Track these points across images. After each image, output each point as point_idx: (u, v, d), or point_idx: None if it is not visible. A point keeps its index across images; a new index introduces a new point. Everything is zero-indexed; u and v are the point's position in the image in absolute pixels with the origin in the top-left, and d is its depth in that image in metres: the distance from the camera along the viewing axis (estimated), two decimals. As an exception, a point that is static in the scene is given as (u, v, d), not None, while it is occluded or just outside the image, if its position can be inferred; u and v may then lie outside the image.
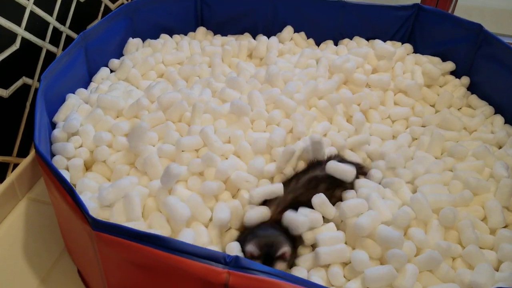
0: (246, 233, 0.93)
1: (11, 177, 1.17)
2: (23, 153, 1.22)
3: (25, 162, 1.22)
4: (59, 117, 1.14)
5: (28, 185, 1.23)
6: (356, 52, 1.37)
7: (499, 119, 1.26)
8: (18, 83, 1.16)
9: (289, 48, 1.47)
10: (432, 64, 1.37)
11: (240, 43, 1.45)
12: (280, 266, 0.87)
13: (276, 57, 1.41)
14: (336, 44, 1.52)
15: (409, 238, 0.90)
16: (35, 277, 1.02)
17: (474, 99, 1.34)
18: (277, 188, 0.97)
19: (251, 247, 0.87)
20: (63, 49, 1.31)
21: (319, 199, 0.94)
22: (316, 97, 1.24)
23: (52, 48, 1.27)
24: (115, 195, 0.94)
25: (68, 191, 0.79)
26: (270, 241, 0.88)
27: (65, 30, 1.32)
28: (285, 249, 0.87)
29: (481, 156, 1.09)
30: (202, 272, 0.68)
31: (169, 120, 1.12)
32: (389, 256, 0.84)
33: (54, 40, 1.28)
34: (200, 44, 1.49)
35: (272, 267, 0.82)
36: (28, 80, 1.19)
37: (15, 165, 1.19)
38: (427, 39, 1.46)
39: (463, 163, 1.08)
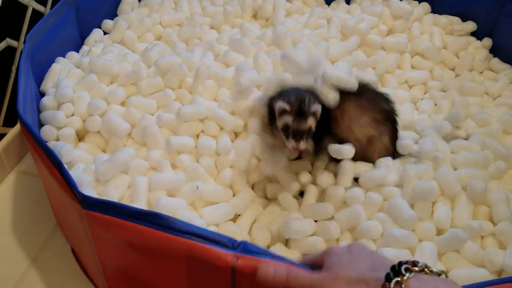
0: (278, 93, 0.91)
1: (-3, 148, 1.08)
2: (10, 123, 1.12)
3: (12, 132, 1.12)
4: (46, 84, 1.04)
5: (17, 157, 1.14)
6: (370, 11, 1.27)
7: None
8: (2, 45, 1.05)
9: (298, 7, 1.36)
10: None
11: (244, 2, 1.33)
12: (311, 122, 0.85)
13: (284, 17, 1.29)
14: (348, 2, 1.41)
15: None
16: (25, 256, 0.94)
17: (496, 62, 1.24)
18: None
19: (281, 103, 0.85)
20: (52, 8, 1.20)
21: None
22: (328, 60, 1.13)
23: (39, 7, 1.16)
24: (113, 170, 0.86)
25: (55, 164, 0.71)
26: (303, 98, 0.86)
27: (54, -13, 1.21)
28: (317, 107, 0.85)
29: (507, 124, 1.00)
30: (208, 255, 0.60)
31: (167, 86, 1.03)
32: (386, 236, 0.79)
33: (41, -2, 1.17)
34: (201, 4, 1.38)
35: (304, 124, 0.84)
36: (12, 42, 1.08)
37: (2, 136, 1.10)
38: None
39: (488, 131, 0.99)
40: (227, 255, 0.59)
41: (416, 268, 0.50)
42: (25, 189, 1.08)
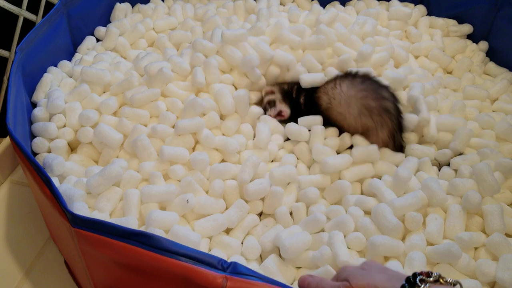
0: None
1: (-10, 159, 1.07)
2: (3, 133, 1.12)
3: (6, 142, 1.11)
4: (38, 95, 1.03)
5: (11, 167, 1.13)
6: (366, 13, 1.26)
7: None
8: (-7, 56, 1.05)
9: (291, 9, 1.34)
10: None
11: (236, 4, 1.32)
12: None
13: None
14: (343, 4, 1.39)
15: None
16: (18, 269, 0.94)
17: (492, 66, 1.24)
18: None
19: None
20: (43, 16, 1.19)
21: None
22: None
23: (31, 16, 1.15)
24: (105, 184, 0.85)
25: (44, 181, 0.70)
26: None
27: (45, -5, 1.20)
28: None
29: (505, 135, 0.99)
30: (197, 277, 0.59)
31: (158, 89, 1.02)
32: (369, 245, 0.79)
33: (32, 7, 1.15)
34: (194, 7, 1.37)
35: None
36: (4, 53, 1.08)
37: (-5, 146, 1.10)
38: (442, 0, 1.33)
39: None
40: (217, 277, 0.59)
41: (431, 279, 0.52)
42: (19, 200, 1.07)
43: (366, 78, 0.99)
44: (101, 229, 0.63)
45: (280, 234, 0.82)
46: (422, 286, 0.51)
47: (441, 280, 0.52)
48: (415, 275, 0.52)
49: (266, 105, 1.08)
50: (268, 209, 0.90)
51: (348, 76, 1.01)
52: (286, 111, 1.07)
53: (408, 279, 0.52)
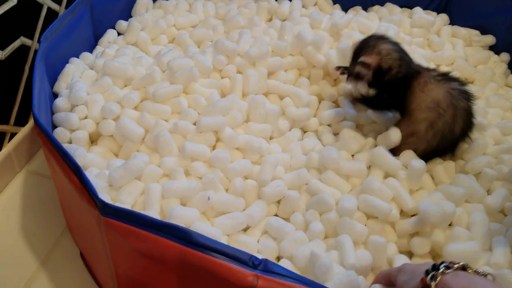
0: None
1: (8, 147, 1.06)
2: (21, 122, 1.11)
3: (23, 131, 1.11)
4: (59, 85, 1.03)
5: (27, 157, 1.13)
6: (389, 20, 1.25)
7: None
8: (16, 44, 1.04)
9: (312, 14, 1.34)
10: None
11: (260, 5, 1.32)
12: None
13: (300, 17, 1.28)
14: (365, 10, 1.39)
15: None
16: (34, 259, 0.93)
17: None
18: None
19: None
20: (66, 7, 1.19)
21: None
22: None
23: (54, 6, 1.15)
24: (127, 177, 0.84)
25: (73, 169, 0.69)
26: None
27: (69, -14, 1.20)
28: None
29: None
30: (227, 273, 0.59)
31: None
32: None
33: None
34: (215, 6, 1.36)
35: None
36: (26, 41, 1.07)
37: (12, 135, 1.09)
38: (465, 9, 1.33)
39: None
40: (247, 275, 0.58)
41: (456, 265, 0.53)
42: (34, 190, 1.06)
43: (454, 79, 0.94)
44: (131, 219, 0.62)
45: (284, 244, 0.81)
46: (448, 271, 0.52)
47: (469, 270, 0.52)
48: (442, 262, 0.53)
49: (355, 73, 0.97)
50: (282, 213, 0.90)
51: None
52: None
53: (434, 265, 0.53)
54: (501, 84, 1.21)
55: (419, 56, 1.17)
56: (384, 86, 0.97)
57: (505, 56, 1.26)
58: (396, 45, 0.97)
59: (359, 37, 1.14)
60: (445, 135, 0.91)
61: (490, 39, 1.28)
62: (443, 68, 1.21)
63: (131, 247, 0.65)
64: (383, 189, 0.85)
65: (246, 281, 0.58)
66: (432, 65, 1.21)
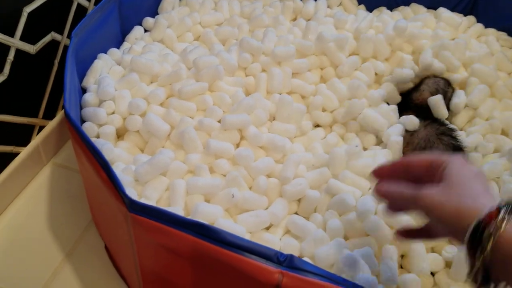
0: None
1: (36, 140, 1.09)
2: (49, 115, 1.14)
3: (51, 124, 1.13)
4: (88, 80, 1.05)
5: (54, 150, 1.15)
6: (415, 19, 1.25)
7: None
8: (47, 39, 1.06)
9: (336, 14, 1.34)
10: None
11: (285, 4, 1.32)
12: None
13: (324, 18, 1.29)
14: (390, 9, 1.39)
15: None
16: (59, 251, 0.95)
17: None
18: None
19: None
20: (95, 3, 1.21)
21: None
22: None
23: (84, 2, 1.17)
24: (152, 172, 0.85)
25: (102, 165, 0.71)
26: None
27: (98, -17, 1.22)
28: None
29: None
30: (252, 270, 0.59)
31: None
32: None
33: (85, -7, 1.17)
34: (240, 4, 1.37)
35: None
36: (57, 36, 1.09)
37: (41, 128, 1.11)
38: (491, 12, 1.31)
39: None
40: (272, 272, 0.59)
41: None
42: (61, 183, 1.09)
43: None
44: (158, 216, 0.64)
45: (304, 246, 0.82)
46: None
47: None
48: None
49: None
50: (302, 212, 0.90)
51: None
52: None
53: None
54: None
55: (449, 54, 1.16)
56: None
57: (532, 59, 1.24)
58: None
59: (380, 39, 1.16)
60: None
61: (517, 42, 1.26)
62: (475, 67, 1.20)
63: (157, 243, 0.66)
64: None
65: (271, 278, 0.58)
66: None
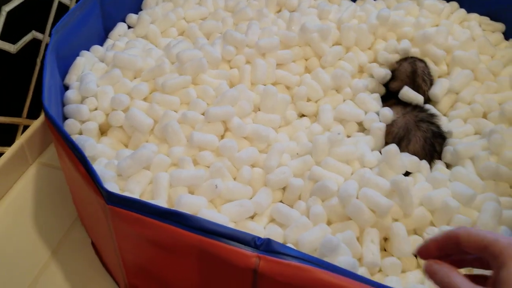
0: None
1: (20, 140, 1.09)
2: (33, 115, 1.14)
3: (35, 124, 1.13)
4: (70, 78, 1.05)
5: (39, 149, 1.15)
6: (397, 8, 1.26)
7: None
8: (27, 38, 1.06)
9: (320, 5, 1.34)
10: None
11: (269, -5, 1.33)
12: None
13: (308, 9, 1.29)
14: (374, 0, 1.39)
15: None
16: (46, 248, 0.95)
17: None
18: None
19: None
20: (77, 1, 1.21)
21: None
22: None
23: (65, 0, 1.17)
24: (135, 166, 0.85)
25: (80, 159, 0.71)
26: None
27: (79, -19, 1.22)
28: None
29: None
30: (229, 255, 0.60)
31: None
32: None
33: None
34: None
35: None
36: (38, 35, 1.09)
37: (25, 127, 1.11)
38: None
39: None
40: (249, 256, 0.59)
41: None
42: (47, 182, 1.09)
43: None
44: (136, 207, 0.64)
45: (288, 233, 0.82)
46: None
47: None
48: None
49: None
50: (287, 200, 0.91)
51: None
52: None
53: None
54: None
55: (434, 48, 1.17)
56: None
57: (514, 42, 1.24)
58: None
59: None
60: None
61: (500, 26, 1.26)
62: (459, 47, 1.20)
63: (136, 234, 0.66)
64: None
65: (249, 262, 0.59)
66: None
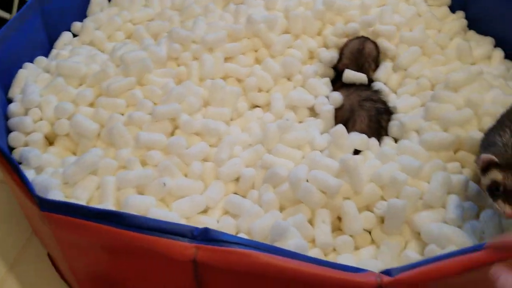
0: None
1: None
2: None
3: (-14, 141, 1.11)
4: (13, 91, 1.03)
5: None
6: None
7: (499, 54, 1.15)
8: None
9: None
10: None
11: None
12: None
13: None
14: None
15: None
16: (2, 264, 0.93)
17: (472, 34, 1.21)
18: None
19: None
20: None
21: None
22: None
23: (4, 14, 1.15)
24: (81, 172, 0.85)
25: (14, 168, 0.70)
26: None
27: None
28: None
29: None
30: (166, 249, 0.59)
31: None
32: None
33: (5, 5, 1.15)
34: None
35: None
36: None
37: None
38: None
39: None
40: (187, 247, 0.58)
41: None
42: (1, 198, 1.06)
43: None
44: (69, 210, 0.63)
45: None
46: None
47: None
48: None
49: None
50: (240, 191, 0.90)
51: None
52: None
53: None
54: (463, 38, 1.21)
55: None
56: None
57: (460, 13, 1.25)
58: None
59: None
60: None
61: (446, 0, 1.27)
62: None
63: (76, 239, 0.65)
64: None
65: (187, 254, 0.58)
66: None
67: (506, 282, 0.48)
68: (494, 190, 0.68)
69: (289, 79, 1.13)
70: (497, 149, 0.72)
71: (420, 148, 0.87)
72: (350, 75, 1.06)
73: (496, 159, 0.69)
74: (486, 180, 0.70)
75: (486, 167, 0.70)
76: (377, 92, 1.00)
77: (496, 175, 0.68)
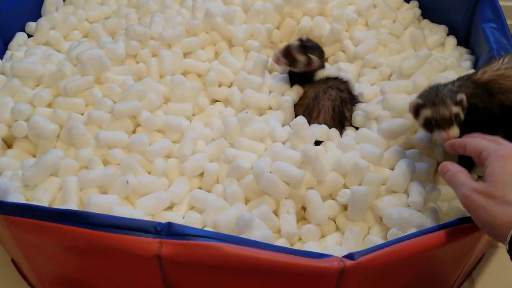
0: None
1: None
2: None
3: None
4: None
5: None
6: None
7: (452, 41, 1.18)
8: None
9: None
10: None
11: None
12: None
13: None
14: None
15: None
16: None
17: (427, 23, 1.25)
18: None
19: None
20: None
21: None
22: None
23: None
24: (41, 174, 0.83)
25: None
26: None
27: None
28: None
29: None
30: (130, 245, 0.59)
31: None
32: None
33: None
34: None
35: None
36: None
37: None
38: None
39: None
40: (150, 243, 0.58)
41: None
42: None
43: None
44: (29, 212, 0.62)
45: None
46: None
47: None
48: None
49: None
50: (205, 186, 0.90)
51: None
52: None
53: None
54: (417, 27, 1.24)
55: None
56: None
57: (414, 3, 1.28)
58: None
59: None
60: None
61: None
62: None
63: (37, 241, 0.64)
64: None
65: (150, 249, 0.58)
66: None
67: (453, 168, 0.65)
68: (429, 126, 0.80)
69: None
70: (421, 94, 0.83)
71: (378, 136, 0.88)
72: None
73: (420, 101, 0.80)
74: (420, 121, 0.81)
75: (416, 111, 0.81)
76: (344, 82, 1.01)
77: (425, 112, 0.79)
